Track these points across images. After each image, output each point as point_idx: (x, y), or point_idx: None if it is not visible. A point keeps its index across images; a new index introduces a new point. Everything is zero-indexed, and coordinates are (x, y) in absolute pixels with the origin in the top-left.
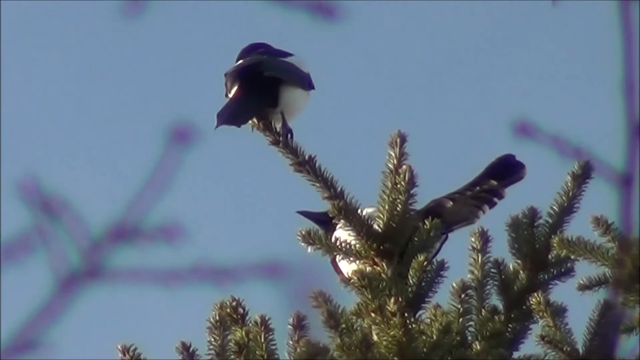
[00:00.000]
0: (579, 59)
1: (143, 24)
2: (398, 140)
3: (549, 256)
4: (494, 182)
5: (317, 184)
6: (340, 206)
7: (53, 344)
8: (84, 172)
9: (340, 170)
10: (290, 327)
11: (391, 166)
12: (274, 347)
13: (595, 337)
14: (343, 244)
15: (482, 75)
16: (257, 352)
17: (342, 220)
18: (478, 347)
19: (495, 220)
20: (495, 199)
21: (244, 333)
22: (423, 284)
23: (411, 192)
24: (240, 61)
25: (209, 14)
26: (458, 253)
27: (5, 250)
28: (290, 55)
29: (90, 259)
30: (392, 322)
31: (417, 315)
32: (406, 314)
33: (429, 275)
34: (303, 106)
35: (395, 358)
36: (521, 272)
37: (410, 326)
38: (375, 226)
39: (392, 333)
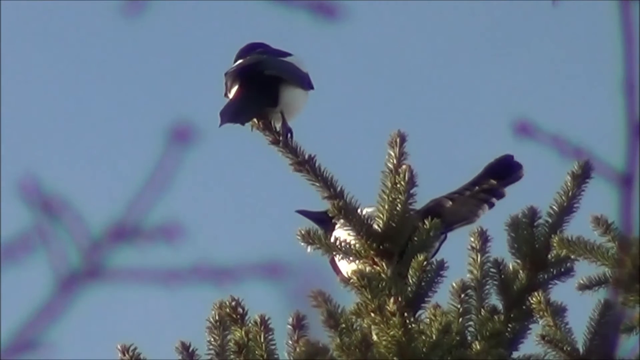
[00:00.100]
0: (579, 59)
1: (143, 24)
2: (398, 139)
3: (549, 256)
4: (493, 182)
5: (317, 184)
6: (340, 206)
7: (53, 344)
8: (84, 172)
9: (340, 170)
10: (289, 326)
11: (391, 166)
12: (273, 347)
13: (596, 336)
14: (343, 244)
15: (482, 75)
16: (256, 352)
17: (341, 220)
18: (478, 347)
19: (495, 219)
20: (495, 199)
21: (243, 333)
22: (423, 283)
23: (411, 191)
24: (240, 61)
25: (209, 14)
26: (457, 253)
27: (5, 250)
28: (289, 55)
29: (90, 258)
30: (391, 321)
31: (416, 315)
32: (406, 314)
33: (429, 275)
34: (302, 106)
35: (395, 358)
36: (521, 271)
37: (409, 326)
38: (375, 226)
39: (391, 333)
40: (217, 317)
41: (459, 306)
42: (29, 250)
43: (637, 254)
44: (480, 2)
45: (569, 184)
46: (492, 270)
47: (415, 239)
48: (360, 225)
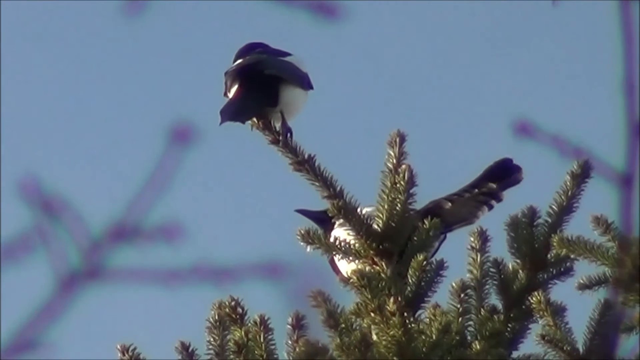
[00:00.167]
0: (579, 59)
1: (143, 24)
2: (397, 139)
3: (549, 255)
4: (492, 185)
5: (317, 183)
6: (339, 205)
7: (53, 344)
8: (84, 172)
9: (339, 170)
10: (289, 326)
11: (390, 165)
12: (273, 346)
13: (596, 336)
14: (342, 244)
15: (482, 75)
16: (256, 351)
17: (341, 220)
18: (477, 346)
19: (495, 219)
20: (493, 202)
21: (243, 333)
22: (422, 283)
23: (410, 191)
24: (240, 60)
25: (209, 14)
26: (457, 252)
27: (5, 250)
28: (289, 54)
29: (91, 258)
30: (391, 321)
31: (416, 315)
32: (405, 314)
33: (428, 275)
34: (302, 106)
35: (395, 358)
36: (520, 271)
37: (409, 326)
38: (375, 225)
39: (391, 333)
40: (216, 317)
41: (458, 306)
42: (29, 250)
43: (637, 253)
44: (480, 2)
45: (568, 183)
46: (491, 270)
47: (415, 238)
48: (359, 225)
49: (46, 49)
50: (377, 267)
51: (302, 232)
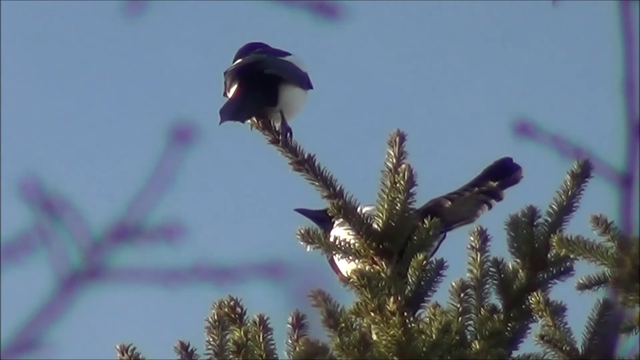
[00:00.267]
0: (579, 59)
1: (143, 24)
2: (397, 139)
3: (548, 255)
4: (492, 184)
5: (316, 183)
6: (339, 205)
7: (53, 344)
8: (85, 171)
9: (339, 169)
10: (289, 326)
11: (390, 165)
12: (272, 346)
13: (595, 336)
14: (342, 243)
15: (482, 75)
16: (255, 351)
17: (341, 219)
18: (477, 346)
19: (495, 219)
20: (493, 201)
21: (242, 333)
22: (422, 283)
23: (410, 191)
24: (239, 60)
25: (209, 14)
26: (457, 252)
27: (5, 250)
28: (289, 54)
29: (91, 258)
30: (391, 321)
31: (416, 315)
32: (405, 313)
33: (428, 275)
34: (302, 105)
35: (395, 357)
36: (520, 271)
37: (409, 325)
38: (375, 225)
39: (391, 332)
40: (216, 317)
41: (458, 305)
42: (30, 250)
43: (637, 253)
44: (480, 2)
45: (568, 183)
46: (491, 269)
47: (415, 238)
48: (359, 225)
49: (46, 49)
50: (377, 267)
51: (302, 231)
